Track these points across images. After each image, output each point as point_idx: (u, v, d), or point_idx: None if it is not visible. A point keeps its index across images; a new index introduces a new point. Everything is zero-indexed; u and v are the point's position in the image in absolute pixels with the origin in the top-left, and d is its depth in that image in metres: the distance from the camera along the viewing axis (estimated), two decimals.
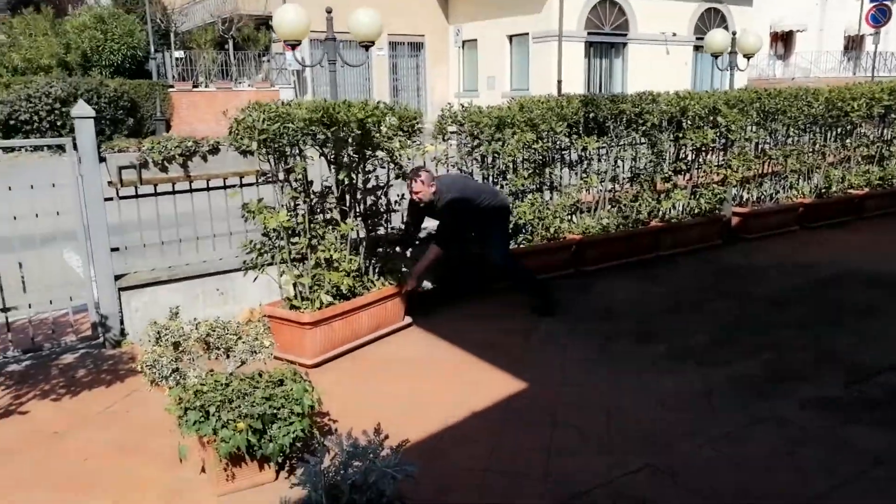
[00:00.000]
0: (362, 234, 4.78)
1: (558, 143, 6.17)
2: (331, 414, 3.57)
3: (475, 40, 23.09)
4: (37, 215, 4.44)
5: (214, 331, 3.35)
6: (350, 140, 4.36)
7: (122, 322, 4.72)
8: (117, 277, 4.68)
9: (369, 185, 4.81)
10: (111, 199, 4.63)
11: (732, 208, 7.47)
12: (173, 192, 4.84)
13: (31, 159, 14.65)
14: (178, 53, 21.29)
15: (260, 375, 3.12)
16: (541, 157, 6.05)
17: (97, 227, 4.54)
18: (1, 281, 4.33)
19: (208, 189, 4.96)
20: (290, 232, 4.44)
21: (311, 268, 4.46)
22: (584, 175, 6.38)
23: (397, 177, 4.92)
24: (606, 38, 21.64)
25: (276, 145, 4.24)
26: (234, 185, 4.98)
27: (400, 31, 22.50)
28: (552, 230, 6.03)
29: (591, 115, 6.18)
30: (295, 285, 4.41)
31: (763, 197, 7.71)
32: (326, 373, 4.17)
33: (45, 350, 4.58)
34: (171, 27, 21.57)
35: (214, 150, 4.78)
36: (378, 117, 4.35)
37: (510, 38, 21.91)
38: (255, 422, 2.82)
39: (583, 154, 6.36)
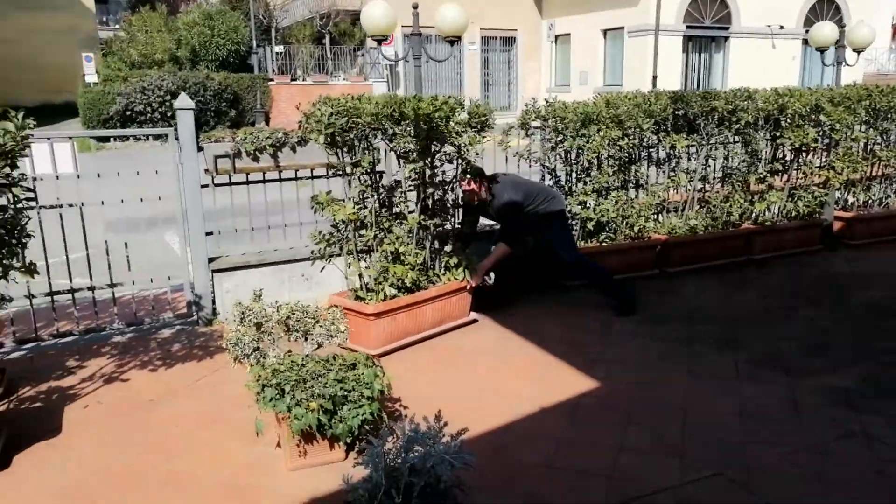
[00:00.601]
0: (430, 229, 4.78)
1: (645, 140, 6.02)
2: (402, 401, 3.66)
3: (568, 35, 22.75)
4: (141, 200, 4.76)
5: (294, 314, 3.51)
6: (419, 135, 4.37)
7: (213, 302, 5.01)
8: (211, 260, 4.96)
9: (436, 180, 4.81)
10: (207, 186, 4.91)
11: (835, 212, 7.04)
12: (263, 182, 5.07)
13: (142, 148, 15.67)
14: (279, 48, 22.17)
15: (334, 359, 3.24)
16: (626, 155, 5.92)
17: (194, 212, 4.83)
18: (109, 259, 4.68)
19: (296, 179, 5.17)
20: (357, 224, 4.48)
21: (377, 260, 4.53)
22: (672, 174, 6.19)
23: (464, 172, 4.89)
24: (706, 32, 20.78)
25: (343, 139, 4.28)
26: (321, 176, 5.18)
27: (493, 25, 22.48)
28: (636, 229, 5.90)
29: (681, 112, 5.98)
30: (361, 276, 4.48)
31: (871, 201, 7.22)
32: (397, 362, 4.25)
33: (145, 325, 4.92)
34: (273, 23, 22.49)
35: (303, 141, 4.97)
36: (445, 112, 4.34)
37: (604, 32, 21.44)
38: (327, 402, 2.93)
39: (671, 152, 6.17)
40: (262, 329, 3.46)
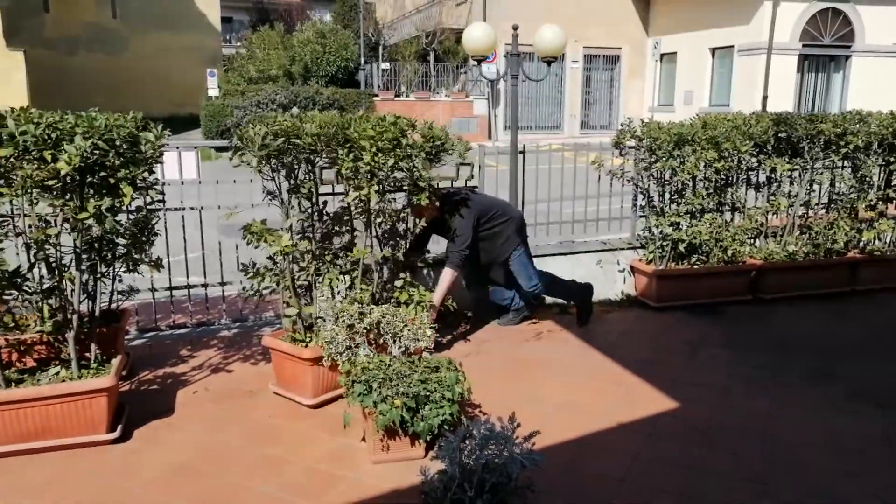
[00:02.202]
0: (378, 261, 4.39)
1: (744, 162, 5.89)
2: (481, 407, 3.80)
3: (674, 53, 22.28)
4: (252, 205, 5.17)
5: (384, 317, 3.74)
6: (362, 158, 3.99)
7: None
8: None
9: (385, 208, 4.34)
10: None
11: None
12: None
13: None
14: (385, 65, 23.01)
15: (419, 360, 3.43)
16: (723, 177, 5.82)
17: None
18: (221, 259, 5.11)
19: (394, 191, 5.44)
20: (294, 257, 4.05)
21: (317, 297, 4.11)
22: (772, 198, 6.02)
23: (414, 200, 4.40)
24: (825, 51, 19.78)
25: (281, 162, 3.94)
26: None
27: (596, 43, 22.39)
28: (730, 252, 5.78)
29: (783, 134, 5.82)
30: (299, 316, 4.03)
31: None
32: (474, 367, 4.39)
33: (249, 321, 5.32)
34: (381, 41, 23.37)
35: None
36: (394, 134, 4.03)
37: (713, 51, 20.85)
38: (410, 401, 3.12)
39: (771, 176, 6.00)
40: (354, 330, 3.71)
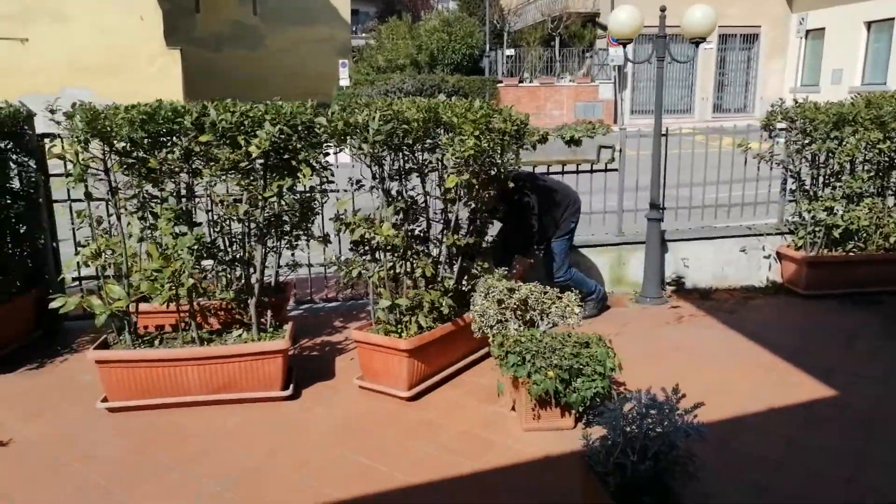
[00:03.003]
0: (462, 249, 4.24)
1: None
2: (626, 385, 3.85)
3: (822, 29, 20.69)
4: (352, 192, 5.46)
5: (533, 294, 3.87)
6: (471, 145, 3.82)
7: None
8: None
9: (478, 194, 4.17)
10: None
11: None
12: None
13: None
14: (509, 51, 23.03)
15: (569, 336, 3.55)
16: (886, 159, 5.45)
17: None
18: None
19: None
20: (390, 248, 3.88)
21: (406, 287, 3.99)
22: None
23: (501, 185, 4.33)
24: None
25: (391, 147, 3.83)
26: (556, 173, 5.52)
27: (733, 22, 21.21)
28: (892, 240, 5.41)
29: None
30: (393, 307, 3.87)
31: None
32: (617, 348, 4.41)
33: None
34: (506, 27, 23.40)
35: (543, 139, 5.33)
36: (486, 119, 3.92)
37: (868, 24, 19.17)
38: (563, 373, 3.24)
39: None
40: (504, 305, 3.87)
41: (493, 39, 23.50)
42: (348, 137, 3.74)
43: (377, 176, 3.90)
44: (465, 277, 4.32)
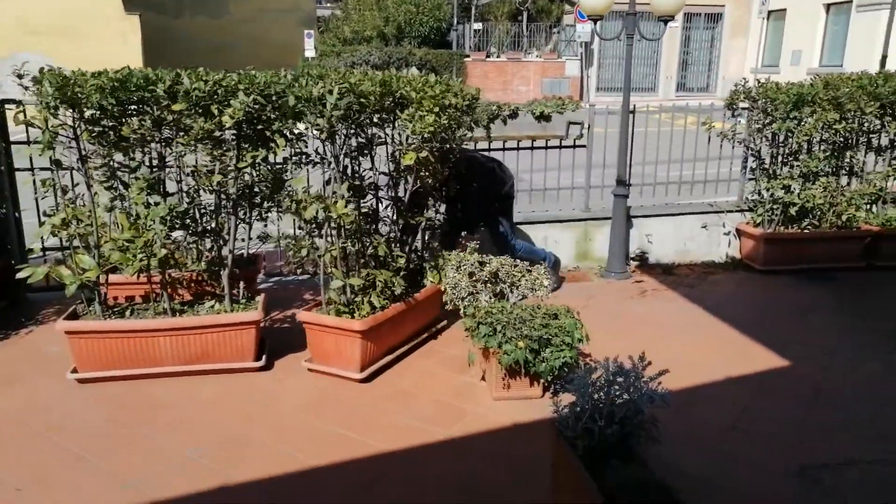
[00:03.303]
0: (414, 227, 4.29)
1: (866, 125, 5.70)
2: (592, 356, 3.98)
3: (783, 10, 21.07)
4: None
5: (504, 267, 3.96)
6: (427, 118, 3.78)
7: None
8: None
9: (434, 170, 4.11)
10: None
11: None
12: (474, 151, 5.57)
13: None
14: (477, 25, 22.89)
15: (538, 308, 3.65)
16: (842, 139, 5.66)
17: None
18: None
19: (503, 150, 5.63)
20: (344, 227, 3.74)
21: (356, 267, 3.86)
22: (894, 161, 5.81)
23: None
24: None
25: (351, 123, 3.72)
26: (526, 148, 5.59)
27: (698, 0, 21.43)
28: (844, 218, 5.65)
29: None
30: (343, 288, 3.79)
31: None
32: (583, 321, 4.55)
33: None
34: (474, 1, 23.22)
35: (514, 114, 5.40)
36: (443, 94, 3.91)
37: (827, 6, 19.59)
38: (533, 343, 3.35)
39: (895, 139, 5.78)
40: (475, 278, 3.96)
41: (460, 13, 23.31)
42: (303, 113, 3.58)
43: (330, 152, 3.73)
44: (416, 255, 4.37)
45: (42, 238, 3.78)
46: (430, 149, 3.93)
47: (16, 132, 4.59)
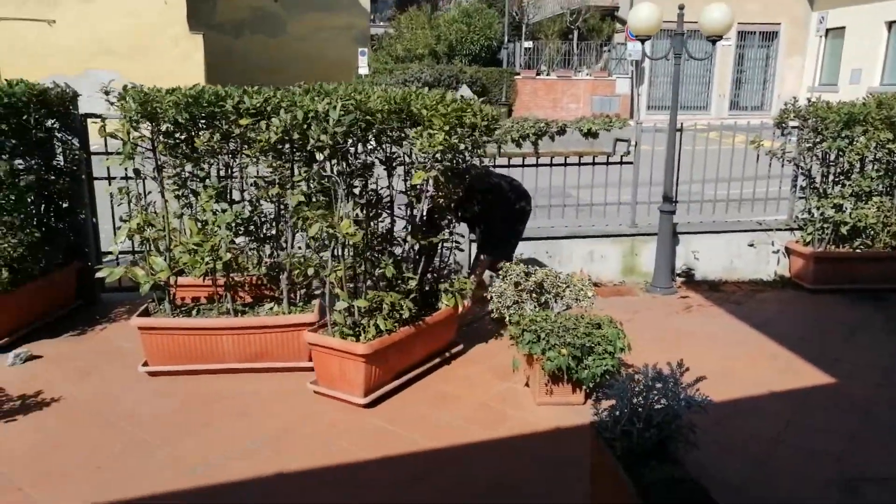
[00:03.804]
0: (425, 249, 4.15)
1: None
2: (634, 366, 4.06)
3: (842, 28, 20.62)
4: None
5: (548, 278, 4.09)
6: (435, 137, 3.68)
7: None
8: None
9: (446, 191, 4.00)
10: None
11: None
12: (522, 166, 5.73)
13: None
14: (527, 44, 23.10)
15: (581, 317, 3.76)
16: None
17: None
18: None
19: (551, 165, 5.76)
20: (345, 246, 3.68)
21: (364, 288, 3.78)
22: None
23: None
24: None
25: (352, 140, 3.65)
26: (573, 164, 5.71)
27: (752, 18, 21.17)
28: None
29: None
30: (350, 310, 3.67)
31: None
32: (627, 333, 4.62)
33: None
34: (524, 19, 23.46)
35: (562, 131, 5.54)
36: (458, 113, 3.77)
37: (889, 24, 19.10)
38: (576, 350, 3.46)
39: None
40: (520, 287, 4.09)
41: (511, 31, 23.57)
42: (310, 126, 3.52)
43: (335, 169, 3.63)
44: (432, 277, 4.28)
45: (119, 241, 4.08)
46: (443, 169, 3.85)
47: (96, 143, 4.95)
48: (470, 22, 22.39)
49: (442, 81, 20.08)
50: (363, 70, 21.16)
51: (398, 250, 4.16)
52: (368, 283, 3.86)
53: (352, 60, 22.82)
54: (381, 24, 34.30)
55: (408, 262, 4.11)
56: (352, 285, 3.74)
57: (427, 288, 4.24)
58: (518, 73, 21.99)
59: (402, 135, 3.89)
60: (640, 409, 2.66)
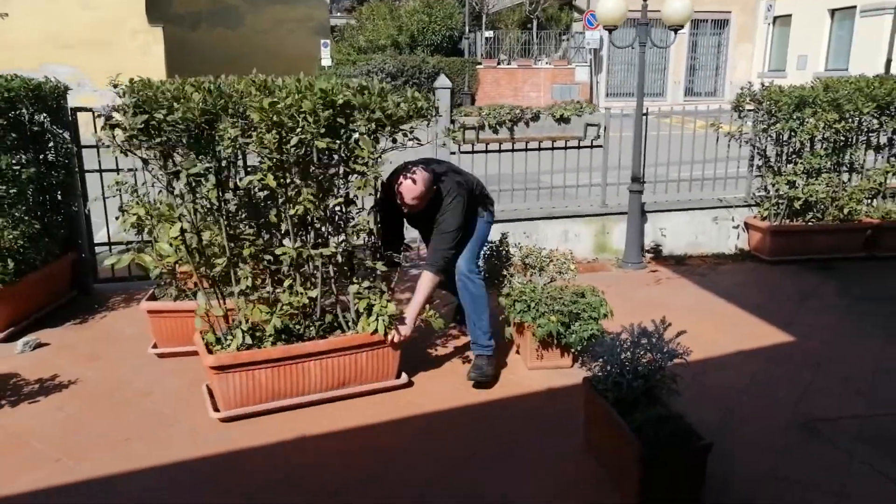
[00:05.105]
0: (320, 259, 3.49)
1: (864, 124, 6.11)
2: (614, 332, 4.39)
3: (789, 16, 21.48)
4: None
5: (532, 254, 4.40)
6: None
7: None
8: None
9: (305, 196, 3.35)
10: (454, 153, 5.95)
11: None
12: (499, 151, 6.02)
13: None
14: (488, 33, 23.42)
15: (565, 288, 4.07)
16: (842, 138, 6.07)
17: None
18: None
19: (525, 150, 6.07)
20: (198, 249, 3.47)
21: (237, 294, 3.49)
22: (892, 159, 6.22)
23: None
24: None
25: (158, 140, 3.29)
26: (547, 148, 6.03)
27: (705, 7, 21.83)
28: (846, 211, 6.05)
29: None
30: (206, 313, 3.46)
31: None
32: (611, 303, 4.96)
33: None
34: (484, 9, 23.76)
35: (536, 117, 5.84)
36: (307, 105, 3.15)
37: (832, 12, 19.98)
38: (563, 317, 3.77)
39: (893, 137, 6.19)
40: (507, 262, 4.39)
41: (472, 21, 23.86)
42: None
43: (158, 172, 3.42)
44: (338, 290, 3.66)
45: (125, 229, 4.20)
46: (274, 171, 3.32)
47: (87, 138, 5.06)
48: (431, 12, 22.61)
49: (405, 72, 20.26)
50: (326, 62, 21.18)
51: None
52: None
53: (314, 52, 22.77)
54: (340, 14, 34.17)
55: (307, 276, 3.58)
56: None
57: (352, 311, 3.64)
58: (480, 63, 22.29)
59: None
60: (627, 364, 2.98)
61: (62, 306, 4.93)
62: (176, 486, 2.91)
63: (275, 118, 3.18)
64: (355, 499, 2.83)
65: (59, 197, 5.00)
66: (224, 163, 3.48)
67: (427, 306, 3.71)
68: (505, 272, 4.31)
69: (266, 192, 3.48)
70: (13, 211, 4.36)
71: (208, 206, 3.44)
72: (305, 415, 3.47)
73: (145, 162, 3.98)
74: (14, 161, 4.39)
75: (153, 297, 4.16)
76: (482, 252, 4.16)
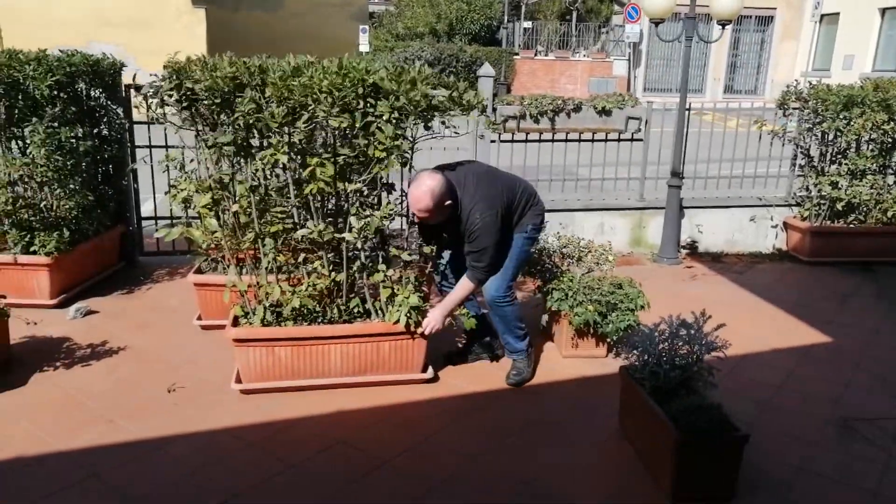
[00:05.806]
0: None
1: None
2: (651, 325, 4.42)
3: (836, 14, 20.95)
4: (444, 149, 5.97)
5: (570, 244, 4.44)
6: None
7: None
8: None
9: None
10: (493, 141, 5.99)
11: None
12: (539, 141, 6.05)
13: None
14: (526, 24, 23.30)
15: (603, 279, 4.11)
16: (890, 140, 5.96)
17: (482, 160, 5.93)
18: None
19: (566, 140, 6.08)
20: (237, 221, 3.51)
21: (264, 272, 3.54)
22: None
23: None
24: None
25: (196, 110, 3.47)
26: (588, 140, 6.04)
27: (749, 3, 21.39)
28: (889, 214, 5.96)
29: None
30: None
31: None
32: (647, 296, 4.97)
33: None
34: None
35: (577, 108, 5.85)
36: (314, 84, 3.14)
37: (882, 11, 19.45)
38: (600, 307, 3.81)
39: None
40: (545, 253, 4.43)
41: (510, 11, 23.76)
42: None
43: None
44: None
45: (176, 204, 4.32)
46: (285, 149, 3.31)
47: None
48: (470, 1, 22.54)
49: (442, 60, 20.27)
50: (364, 47, 21.28)
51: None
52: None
53: (351, 38, 22.86)
54: (378, 1, 34.24)
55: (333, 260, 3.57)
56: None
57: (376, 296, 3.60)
58: (517, 54, 22.21)
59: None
60: (664, 355, 3.02)
61: (110, 276, 5.11)
62: (222, 450, 3.03)
63: (285, 93, 3.17)
64: (399, 469, 2.92)
65: (111, 171, 5.16)
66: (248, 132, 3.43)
67: (462, 307, 3.64)
68: (544, 263, 4.35)
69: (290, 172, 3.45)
70: (70, 182, 4.53)
71: (249, 182, 3.50)
72: (334, 395, 3.53)
73: (198, 132, 4.09)
74: (72, 134, 4.54)
75: (199, 271, 4.29)
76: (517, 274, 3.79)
